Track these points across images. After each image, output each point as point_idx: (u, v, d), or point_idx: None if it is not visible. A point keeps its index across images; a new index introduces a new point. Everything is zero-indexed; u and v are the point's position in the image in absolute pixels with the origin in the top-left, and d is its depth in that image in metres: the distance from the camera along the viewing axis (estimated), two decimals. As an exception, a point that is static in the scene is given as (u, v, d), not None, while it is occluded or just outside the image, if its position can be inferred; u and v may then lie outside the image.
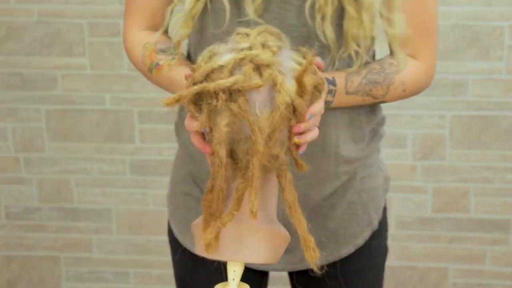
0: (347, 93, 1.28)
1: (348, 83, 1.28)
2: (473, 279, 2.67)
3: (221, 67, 1.14)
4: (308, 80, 1.15)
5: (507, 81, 2.52)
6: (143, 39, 1.37)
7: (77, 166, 2.70)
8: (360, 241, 1.46)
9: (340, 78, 1.27)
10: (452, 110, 2.56)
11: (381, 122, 1.48)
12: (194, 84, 1.16)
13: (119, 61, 2.60)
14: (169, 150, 2.65)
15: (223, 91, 1.13)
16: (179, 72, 1.30)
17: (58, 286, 2.81)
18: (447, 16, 2.49)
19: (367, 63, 1.36)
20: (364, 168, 1.44)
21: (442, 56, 2.53)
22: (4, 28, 2.61)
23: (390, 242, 2.68)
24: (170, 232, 1.52)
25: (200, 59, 1.18)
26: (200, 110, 1.17)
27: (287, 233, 1.23)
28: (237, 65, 1.15)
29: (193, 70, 1.19)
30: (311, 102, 1.21)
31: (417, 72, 1.35)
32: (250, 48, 1.16)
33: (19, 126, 2.68)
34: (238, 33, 1.20)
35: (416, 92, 1.37)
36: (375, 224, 1.47)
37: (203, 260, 1.46)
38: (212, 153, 1.19)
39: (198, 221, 1.23)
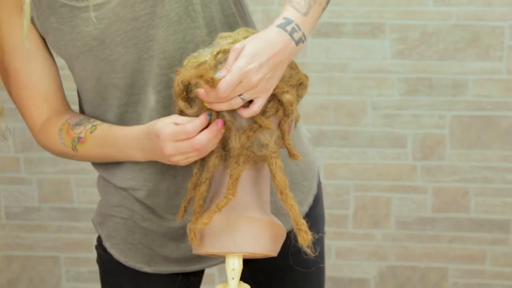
0: (305, 14, 1.22)
1: (297, 8, 1.22)
2: (473, 279, 2.67)
3: (206, 61, 1.17)
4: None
5: (507, 81, 2.52)
6: (53, 127, 1.35)
7: (77, 166, 2.70)
8: (306, 207, 1.46)
9: (289, 12, 1.21)
10: (452, 110, 2.56)
11: None
12: (183, 80, 1.17)
13: (119, 61, 2.60)
14: (169, 150, 2.66)
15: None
16: (118, 129, 1.28)
17: (58, 286, 2.81)
18: (447, 16, 2.49)
19: None
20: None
21: (442, 56, 2.53)
22: (4, 28, 2.61)
23: (390, 242, 2.68)
24: (105, 256, 1.48)
25: (185, 62, 1.21)
26: (190, 106, 1.19)
27: (279, 222, 1.23)
28: (222, 56, 1.17)
29: (178, 72, 1.21)
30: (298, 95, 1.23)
31: None
32: (234, 43, 1.19)
33: (19, 126, 2.68)
34: (221, 37, 1.22)
35: None
36: (315, 188, 1.48)
37: (146, 284, 1.45)
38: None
39: (191, 224, 1.23)
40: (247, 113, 1.15)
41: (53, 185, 2.72)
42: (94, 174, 2.69)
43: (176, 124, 1.16)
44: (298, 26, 1.19)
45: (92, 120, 1.33)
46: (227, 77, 1.11)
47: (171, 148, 1.16)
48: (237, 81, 1.12)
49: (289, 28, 1.18)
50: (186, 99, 1.19)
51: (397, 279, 2.71)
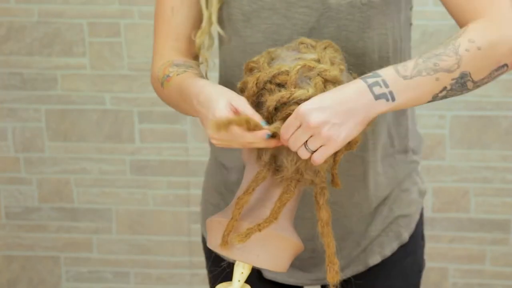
0: (405, 77, 1.11)
1: (399, 68, 1.12)
2: (473, 279, 2.67)
3: (287, 72, 1.13)
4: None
5: (507, 81, 2.52)
6: (161, 60, 1.36)
7: (77, 166, 2.70)
8: (388, 252, 1.41)
9: (384, 69, 1.13)
10: (452, 110, 2.56)
11: (415, 150, 1.42)
12: (258, 82, 1.14)
13: (119, 61, 2.60)
14: (169, 150, 2.65)
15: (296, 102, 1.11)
16: (190, 83, 1.24)
17: (58, 286, 2.81)
18: (447, 16, 2.49)
19: None
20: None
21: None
22: (4, 28, 2.61)
23: (390, 242, 2.68)
24: (204, 241, 1.51)
25: (262, 59, 1.17)
26: (258, 108, 1.16)
27: (300, 242, 1.22)
28: (305, 73, 1.13)
29: (251, 68, 1.19)
30: None
31: (485, 25, 1.16)
32: (318, 61, 1.15)
33: (19, 126, 2.68)
34: (302, 43, 1.19)
35: (499, 49, 1.14)
36: (405, 237, 1.42)
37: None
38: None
39: (216, 217, 1.22)
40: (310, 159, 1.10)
41: (53, 185, 2.72)
42: (94, 174, 2.70)
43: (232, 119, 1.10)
44: (385, 82, 1.10)
45: (189, 65, 1.32)
46: (286, 121, 1.07)
47: (215, 139, 1.14)
48: (294, 122, 1.07)
49: (370, 80, 1.10)
50: (255, 102, 1.16)
51: (397, 279, 2.71)
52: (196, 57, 1.39)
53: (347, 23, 1.24)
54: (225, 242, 1.17)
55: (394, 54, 1.31)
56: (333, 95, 1.09)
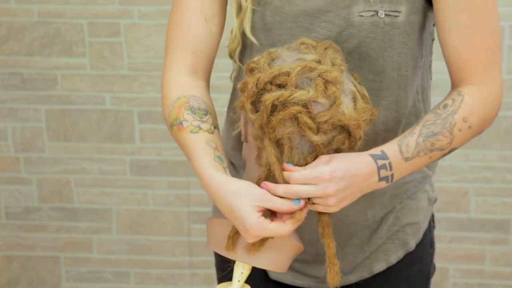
0: (406, 159, 1.18)
1: (403, 149, 1.18)
2: (473, 279, 2.67)
3: (288, 73, 1.13)
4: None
5: (507, 81, 2.52)
6: (176, 89, 1.27)
7: (77, 166, 2.70)
8: (393, 259, 1.40)
9: (391, 149, 1.19)
10: (452, 110, 2.56)
11: (429, 164, 1.41)
12: (258, 83, 1.14)
13: (119, 61, 2.60)
14: (169, 150, 2.65)
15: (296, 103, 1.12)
16: (197, 144, 1.20)
17: (58, 286, 2.81)
18: (447, 16, 2.49)
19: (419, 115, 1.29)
20: (406, 191, 1.41)
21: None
22: (4, 28, 2.61)
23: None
24: None
25: (262, 60, 1.17)
26: (255, 110, 1.15)
27: (300, 243, 1.22)
28: (305, 74, 1.13)
29: (252, 69, 1.18)
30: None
31: (479, 102, 1.24)
32: (319, 62, 1.15)
33: (19, 126, 2.68)
34: (303, 43, 1.19)
35: (484, 125, 1.24)
36: (412, 245, 1.41)
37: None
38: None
39: (215, 218, 1.22)
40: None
41: (53, 185, 2.72)
42: (94, 174, 2.69)
43: (261, 213, 1.14)
44: (390, 165, 1.18)
45: (205, 119, 1.24)
46: (306, 168, 1.13)
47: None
48: (311, 180, 1.12)
49: (380, 162, 1.17)
50: (255, 103, 1.16)
51: (397, 279, 2.71)
52: (208, 74, 1.33)
53: (369, 41, 1.24)
54: (229, 245, 1.17)
55: (413, 73, 1.31)
56: (347, 169, 1.14)
